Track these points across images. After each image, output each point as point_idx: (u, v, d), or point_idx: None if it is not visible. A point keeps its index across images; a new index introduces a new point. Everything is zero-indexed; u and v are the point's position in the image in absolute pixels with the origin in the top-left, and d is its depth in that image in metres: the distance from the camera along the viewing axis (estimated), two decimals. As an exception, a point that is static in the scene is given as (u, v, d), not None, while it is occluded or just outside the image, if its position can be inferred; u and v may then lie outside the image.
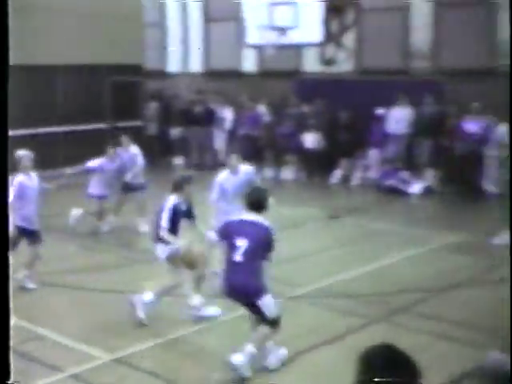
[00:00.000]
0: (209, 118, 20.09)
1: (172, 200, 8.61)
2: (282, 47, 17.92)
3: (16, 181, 9.76)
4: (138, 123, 21.50)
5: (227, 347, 7.34)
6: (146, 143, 21.52)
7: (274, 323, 7.15)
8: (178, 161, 20.63)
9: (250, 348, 6.99)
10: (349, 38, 19.38)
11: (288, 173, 18.49)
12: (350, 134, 18.01)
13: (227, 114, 20.03)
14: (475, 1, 16.83)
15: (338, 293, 9.72)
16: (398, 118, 17.29)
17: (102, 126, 20.67)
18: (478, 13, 16.85)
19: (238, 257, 6.97)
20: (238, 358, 6.91)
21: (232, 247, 7.02)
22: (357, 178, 17.78)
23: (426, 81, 17.66)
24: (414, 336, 8.14)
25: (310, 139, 18.32)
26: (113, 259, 11.51)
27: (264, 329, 7.11)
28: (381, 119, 17.51)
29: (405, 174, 16.53)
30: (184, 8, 23.67)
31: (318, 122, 18.31)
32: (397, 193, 16.23)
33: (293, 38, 17.46)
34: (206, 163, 19.48)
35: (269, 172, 18.24)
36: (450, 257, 11.50)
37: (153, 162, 21.15)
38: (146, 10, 22.42)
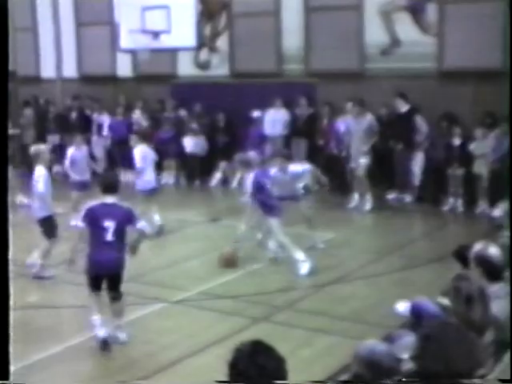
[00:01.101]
0: (85, 125, 19.85)
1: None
2: (157, 51, 17.91)
3: (40, 172, 10.56)
4: (13, 131, 20.99)
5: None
6: (22, 152, 21.09)
7: (122, 294, 8.18)
8: (57, 168, 20.27)
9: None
10: (222, 42, 19.61)
11: (168, 178, 18.54)
12: (227, 137, 18.28)
13: (104, 120, 19.86)
14: (345, 5, 17.36)
15: (220, 294, 9.90)
16: (273, 120, 17.68)
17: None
18: (346, 17, 17.41)
19: (108, 236, 7.80)
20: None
21: (101, 229, 7.81)
22: (236, 180, 18.03)
23: (299, 83, 18.12)
24: (297, 332, 8.45)
25: (190, 143, 18.45)
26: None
27: (119, 304, 8.18)
28: (257, 121, 17.83)
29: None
30: (55, 12, 23.27)
31: (196, 125, 18.48)
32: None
33: (166, 42, 17.47)
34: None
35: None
36: (329, 252, 11.89)
37: (29, 170, 20.77)
38: (17, 14, 21.92)
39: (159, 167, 18.41)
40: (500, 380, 4.44)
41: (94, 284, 8.06)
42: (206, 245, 12.68)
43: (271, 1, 18.54)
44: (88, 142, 19.49)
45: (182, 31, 17.01)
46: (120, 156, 18.49)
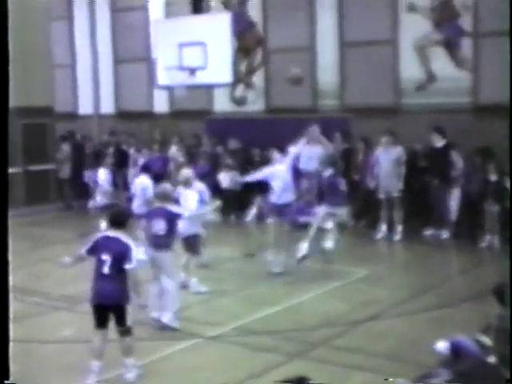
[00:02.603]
0: (122, 160, 20.05)
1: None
2: (193, 87, 18.10)
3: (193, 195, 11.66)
4: (49, 166, 21.31)
5: None
6: (58, 186, 21.40)
7: (130, 329, 8.09)
8: (93, 203, 20.47)
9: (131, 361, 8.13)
10: (258, 78, 19.78)
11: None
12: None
13: (140, 155, 20.03)
14: (379, 40, 17.44)
15: (257, 330, 9.85)
16: (308, 155, 17.66)
17: (13, 170, 20.37)
18: (381, 52, 17.48)
19: (105, 269, 7.93)
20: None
21: (100, 261, 7.99)
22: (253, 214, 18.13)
23: (334, 118, 18.15)
24: (333, 369, 8.36)
25: (225, 178, 18.52)
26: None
27: (127, 339, 8.12)
28: (292, 157, 17.81)
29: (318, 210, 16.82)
30: (94, 49, 23.70)
31: (230, 161, 18.57)
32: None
33: (202, 78, 17.65)
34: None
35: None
36: (365, 289, 11.81)
37: (66, 205, 21.07)
38: (56, 51, 22.36)
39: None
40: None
41: (96, 317, 8.06)
42: (241, 281, 12.66)
43: (306, 36, 18.69)
44: (124, 177, 19.73)
45: (218, 67, 17.17)
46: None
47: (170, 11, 21.20)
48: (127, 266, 7.96)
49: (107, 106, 23.42)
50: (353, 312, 10.62)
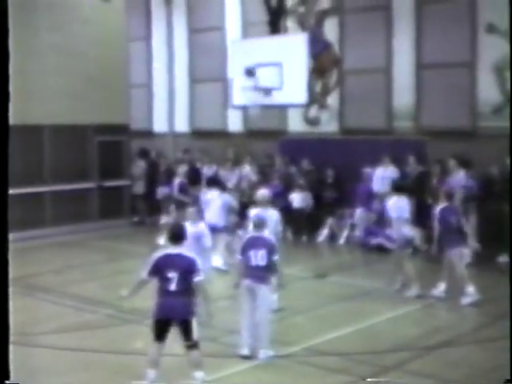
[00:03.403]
0: (195, 177, 20.20)
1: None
2: (267, 107, 18.19)
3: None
4: (124, 182, 21.68)
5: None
6: (132, 202, 21.75)
7: (197, 343, 8.05)
8: (165, 219, 20.68)
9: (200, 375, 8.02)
10: (332, 99, 19.75)
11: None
12: (335, 193, 18.25)
13: (213, 174, 20.17)
14: (456, 62, 17.24)
15: (327, 351, 9.76)
16: (382, 177, 17.53)
17: (89, 185, 20.80)
18: (459, 74, 17.26)
19: (172, 286, 7.91)
20: None
21: (165, 279, 7.94)
22: (343, 236, 17.94)
23: (409, 140, 17.98)
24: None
25: (297, 198, 18.51)
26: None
27: (195, 353, 8.06)
28: (366, 178, 17.74)
29: (390, 233, 16.65)
30: (170, 68, 24.07)
31: (304, 181, 18.55)
32: (383, 251, 16.32)
33: (277, 98, 17.73)
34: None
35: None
36: (438, 314, 11.60)
37: (139, 220, 21.38)
38: (133, 70, 22.80)
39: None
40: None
41: (158, 330, 8.05)
42: (312, 301, 12.59)
43: (382, 58, 18.60)
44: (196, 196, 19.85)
45: (293, 88, 17.23)
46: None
47: (247, 32, 21.41)
48: (196, 279, 7.99)
49: (182, 125, 23.73)
50: (425, 337, 10.43)
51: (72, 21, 20.19)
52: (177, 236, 8.27)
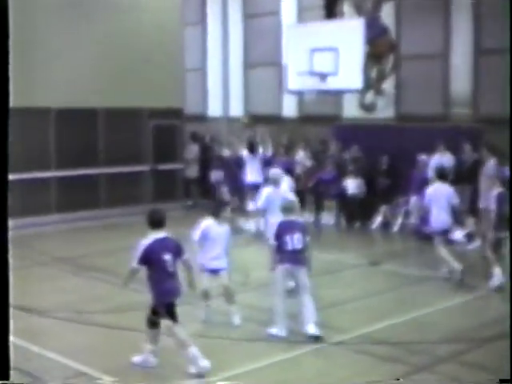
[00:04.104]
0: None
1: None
2: (322, 93, 18.05)
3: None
4: (177, 166, 21.78)
5: None
6: (185, 185, 21.86)
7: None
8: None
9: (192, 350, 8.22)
10: (388, 84, 19.50)
11: (328, 218, 18.50)
12: (389, 180, 18.03)
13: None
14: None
15: (380, 340, 9.64)
16: (438, 164, 17.22)
17: (142, 168, 20.95)
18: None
19: (169, 267, 8.32)
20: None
21: (162, 262, 8.26)
22: (397, 224, 17.73)
23: (466, 128, 17.65)
24: (459, 385, 8.08)
25: (351, 185, 18.35)
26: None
27: (179, 328, 8.40)
28: (421, 165, 17.47)
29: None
30: (225, 53, 24.05)
31: (358, 167, 18.37)
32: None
33: (333, 83, 17.58)
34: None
35: (309, 216, 18.36)
36: (495, 305, 11.38)
37: (192, 204, 21.45)
38: (188, 55, 22.83)
39: (320, 207, 18.44)
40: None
41: (165, 312, 8.37)
42: (364, 289, 12.47)
43: (440, 43, 18.29)
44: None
45: (348, 73, 17.07)
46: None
47: (303, 16, 21.25)
48: (185, 257, 8.55)
49: (236, 109, 23.71)
50: (480, 328, 10.23)
51: (128, 5, 20.29)
52: (159, 221, 8.55)
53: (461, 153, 17.21)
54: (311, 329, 9.54)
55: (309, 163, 19.36)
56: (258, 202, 12.26)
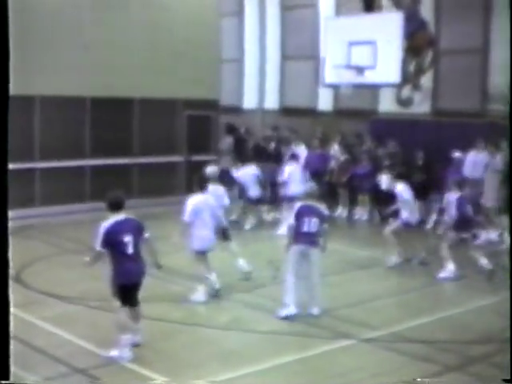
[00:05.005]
0: (282, 155, 20.11)
1: None
2: (359, 87, 17.91)
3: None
4: (211, 157, 21.76)
5: None
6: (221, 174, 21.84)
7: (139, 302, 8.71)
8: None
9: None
10: (426, 79, 19.28)
11: (361, 213, 18.36)
12: (425, 177, 17.81)
13: (301, 152, 19.98)
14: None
15: (411, 338, 9.54)
16: (474, 161, 17.02)
17: (176, 158, 20.98)
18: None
19: (130, 249, 8.37)
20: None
21: (122, 244, 8.33)
22: (431, 221, 17.51)
23: (504, 125, 17.37)
24: (491, 387, 7.96)
25: (385, 180, 18.15)
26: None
27: (138, 309, 8.67)
28: (457, 162, 17.24)
29: (481, 220, 16.19)
30: (262, 45, 23.97)
31: (392, 163, 18.17)
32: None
33: (370, 77, 17.44)
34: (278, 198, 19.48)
35: (342, 211, 18.29)
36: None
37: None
38: (225, 46, 22.79)
39: (353, 202, 18.30)
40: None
41: (126, 296, 8.44)
42: (399, 285, 12.36)
43: (479, 37, 18.02)
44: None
45: (386, 67, 16.92)
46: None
47: (341, 9, 21.09)
48: (146, 236, 8.64)
49: (271, 102, 23.64)
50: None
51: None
52: (118, 204, 8.66)
53: (498, 150, 16.96)
54: (317, 311, 10.05)
55: (343, 157, 19.22)
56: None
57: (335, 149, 19.60)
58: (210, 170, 13.97)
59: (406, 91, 19.51)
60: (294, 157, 17.53)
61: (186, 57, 20.38)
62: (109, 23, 19.05)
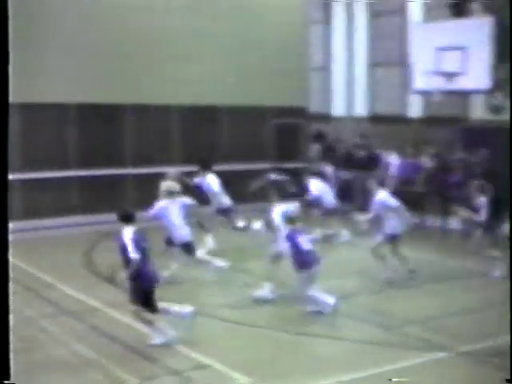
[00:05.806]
0: (373, 163, 20.02)
1: None
2: (449, 93, 17.70)
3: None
4: (300, 164, 21.87)
5: None
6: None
7: None
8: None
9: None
10: (518, 85, 18.88)
11: (455, 223, 18.05)
12: (513, 187, 17.40)
13: (392, 160, 19.82)
14: None
15: (506, 352, 9.35)
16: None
17: (265, 166, 21.15)
18: None
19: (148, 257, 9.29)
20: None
21: (144, 251, 9.21)
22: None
23: None
24: None
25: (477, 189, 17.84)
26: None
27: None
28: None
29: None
30: (350, 52, 23.95)
31: (484, 171, 17.84)
32: None
33: (460, 83, 17.21)
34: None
35: (433, 221, 18.07)
36: None
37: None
38: (313, 54, 22.88)
39: (446, 211, 18.02)
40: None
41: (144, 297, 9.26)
42: (492, 297, 12.05)
43: None
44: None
45: (476, 73, 16.68)
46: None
47: (429, 15, 20.87)
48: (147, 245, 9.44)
49: (360, 109, 23.58)
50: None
51: (253, 4, 20.54)
52: (131, 217, 9.48)
53: None
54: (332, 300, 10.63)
55: (433, 165, 18.99)
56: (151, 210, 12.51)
57: (426, 157, 19.35)
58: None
59: (498, 98, 19.15)
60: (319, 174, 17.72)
61: (275, 65, 20.57)
62: (198, 33, 19.43)
